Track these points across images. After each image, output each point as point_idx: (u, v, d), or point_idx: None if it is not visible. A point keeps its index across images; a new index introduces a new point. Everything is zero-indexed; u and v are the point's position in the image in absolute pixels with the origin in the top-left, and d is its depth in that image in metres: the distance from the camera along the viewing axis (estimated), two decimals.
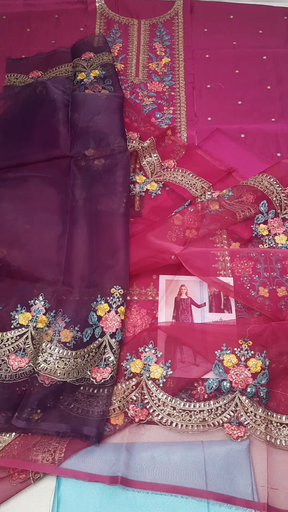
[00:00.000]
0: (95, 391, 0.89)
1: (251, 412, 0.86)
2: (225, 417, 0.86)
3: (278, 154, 1.26)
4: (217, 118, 1.34)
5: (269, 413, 0.85)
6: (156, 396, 0.89)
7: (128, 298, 1.02)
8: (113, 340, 0.93)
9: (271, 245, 1.08)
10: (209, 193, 1.16)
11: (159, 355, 0.93)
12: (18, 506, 0.81)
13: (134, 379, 0.91)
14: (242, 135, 1.30)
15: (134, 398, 0.89)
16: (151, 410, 0.87)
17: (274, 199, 1.11)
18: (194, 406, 0.87)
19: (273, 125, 1.31)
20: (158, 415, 0.87)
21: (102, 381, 0.89)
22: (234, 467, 0.81)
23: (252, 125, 1.31)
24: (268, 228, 1.10)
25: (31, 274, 1.03)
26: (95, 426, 0.84)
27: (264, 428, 0.84)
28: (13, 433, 0.86)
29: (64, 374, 0.90)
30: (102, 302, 0.98)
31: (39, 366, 0.90)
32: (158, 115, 1.33)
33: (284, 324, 0.92)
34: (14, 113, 1.27)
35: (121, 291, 0.99)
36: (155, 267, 1.04)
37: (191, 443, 0.85)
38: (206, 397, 0.89)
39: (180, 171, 1.22)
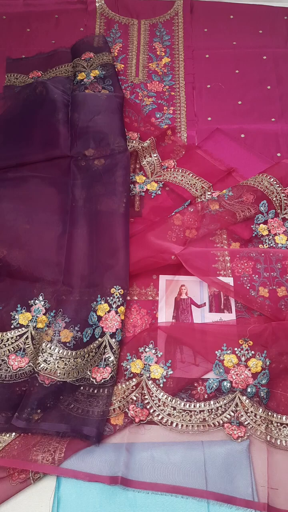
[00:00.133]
0: (95, 391, 0.89)
1: (252, 412, 0.86)
2: (225, 417, 0.86)
3: (278, 154, 1.26)
4: (217, 118, 1.34)
5: (270, 413, 0.85)
6: (156, 396, 0.89)
7: (128, 298, 1.02)
8: (113, 340, 0.93)
9: (271, 245, 1.08)
10: (209, 193, 1.16)
11: (159, 355, 0.93)
12: (18, 506, 0.81)
13: (134, 379, 0.91)
14: (242, 135, 1.30)
15: (134, 398, 0.89)
16: (151, 410, 0.87)
17: (274, 199, 1.11)
18: (194, 406, 0.87)
19: (273, 125, 1.31)
20: (158, 415, 0.87)
21: (102, 381, 0.89)
22: (234, 467, 0.81)
23: (252, 125, 1.31)
24: (268, 228, 1.10)
25: (31, 274, 1.03)
26: (95, 426, 0.84)
27: (264, 428, 0.84)
28: (13, 433, 0.85)
29: (64, 374, 0.90)
30: (102, 302, 0.98)
31: (39, 366, 0.90)
32: (158, 115, 1.33)
33: (284, 324, 0.92)
34: (14, 113, 1.27)
35: (121, 291, 0.99)
36: (155, 267, 1.04)
37: (191, 443, 0.85)
38: (206, 397, 0.89)
39: (180, 171, 1.22)
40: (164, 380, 0.90)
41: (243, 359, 0.91)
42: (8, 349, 0.95)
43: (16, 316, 0.98)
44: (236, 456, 0.82)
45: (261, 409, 0.86)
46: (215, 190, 1.17)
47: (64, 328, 0.95)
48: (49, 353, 0.91)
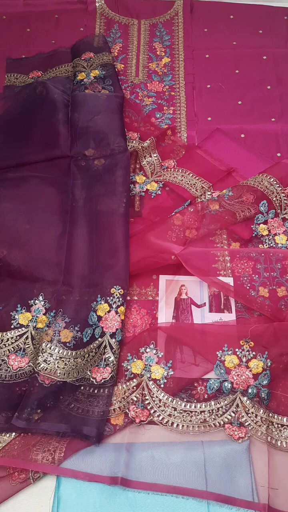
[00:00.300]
0: (96, 391, 0.89)
1: (252, 413, 0.86)
2: (226, 418, 0.86)
3: (278, 154, 1.26)
4: (217, 118, 1.34)
5: (270, 414, 0.85)
6: (157, 396, 0.89)
7: (128, 298, 1.02)
8: (113, 340, 0.93)
9: (271, 245, 1.08)
10: (209, 193, 1.16)
11: (160, 356, 0.93)
12: (18, 506, 0.81)
13: (135, 380, 0.91)
14: (242, 135, 1.30)
15: (135, 398, 0.89)
16: (152, 411, 0.87)
17: (274, 199, 1.11)
18: (195, 407, 0.87)
19: (273, 125, 1.31)
20: (159, 415, 0.87)
21: (102, 381, 0.89)
22: (234, 467, 0.81)
23: (252, 125, 1.31)
24: (268, 228, 1.10)
25: (31, 274, 1.03)
26: (95, 426, 0.84)
27: (265, 429, 0.84)
28: (13, 433, 0.85)
29: (64, 374, 0.90)
30: (102, 302, 0.98)
31: (39, 366, 0.90)
32: (158, 115, 1.33)
33: (286, 325, 0.92)
34: (14, 113, 1.27)
35: (121, 291, 0.99)
36: (155, 267, 1.04)
37: (191, 443, 0.85)
38: (206, 397, 0.89)
39: (180, 171, 1.22)
40: (165, 381, 0.90)
41: (244, 360, 0.91)
42: (8, 349, 0.95)
43: (16, 316, 0.98)
44: (236, 456, 0.82)
45: (262, 410, 0.86)
46: (215, 190, 1.17)
47: (64, 328, 0.95)
48: (49, 353, 0.91)
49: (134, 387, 0.90)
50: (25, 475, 0.82)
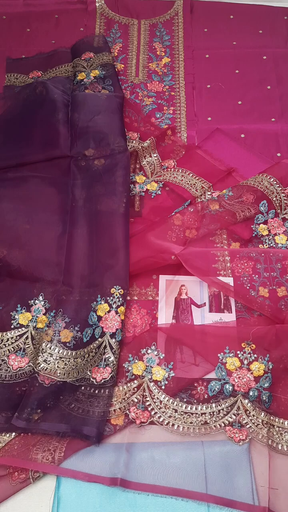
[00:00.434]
0: (96, 391, 0.89)
1: (254, 415, 0.86)
2: (227, 420, 0.86)
3: (278, 154, 1.26)
4: (217, 118, 1.34)
5: (272, 418, 0.85)
6: (158, 398, 0.88)
7: (128, 298, 1.02)
8: (113, 340, 0.93)
9: (271, 245, 1.08)
10: (209, 193, 1.16)
11: (161, 357, 0.93)
12: (18, 506, 0.81)
13: (135, 381, 0.91)
14: (242, 135, 1.30)
15: (136, 400, 0.88)
16: (152, 412, 0.87)
17: (274, 199, 1.11)
18: (196, 409, 0.87)
19: (273, 125, 1.31)
20: (159, 417, 0.87)
21: (102, 381, 0.89)
22: (234, 467, 0.81)
23: (252, 125, 1.31)
24: (268, 228, 1.10)
25: (31, 274, 1.03)
26: (95, 426, 0.84)
27: (266, 432, 0.84)
28: (13, 433, 0.85)
29: (64, 374, 0.90)
30: (102, 302, 0.98)
31: (39, 366, 0.90)
32: (158, 115, 1.33)
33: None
34: (14, 113, 1.27)
35: (121, 291, 0.99)
36: (155, 267, 1.04)
37: (191, 443, 0.85)
38: (206, 397, 0.89)
39: (180, 171, 1.22)
40: (166, 382, 0.90)
41: (245, 362, 0.91)
42: (8, 349, 0.95)
43: (16, 316, 0.98)
44: (236, 457, 0.82)
45: (263, 413, 0.85)
46: (215, 190, 1.17)
47: (64, 328, 0.95)
48: (49, 353, 0.91)
49: (135, 388, 0.90)
50: (25, 475, 0.82)
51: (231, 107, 1.35)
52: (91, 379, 0.90)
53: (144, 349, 0.94)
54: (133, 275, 1.03)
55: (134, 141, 1.25)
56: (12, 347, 0.95)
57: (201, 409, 0.87)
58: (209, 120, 1.33)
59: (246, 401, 0.87)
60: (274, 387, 0.89)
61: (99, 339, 0.94)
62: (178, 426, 0.86)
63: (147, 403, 0.88)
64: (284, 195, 1.12)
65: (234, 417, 0.86)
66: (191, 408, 0.87)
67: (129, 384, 0.91)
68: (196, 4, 1.54)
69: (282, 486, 0.79)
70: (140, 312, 1.01)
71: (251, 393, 0.87)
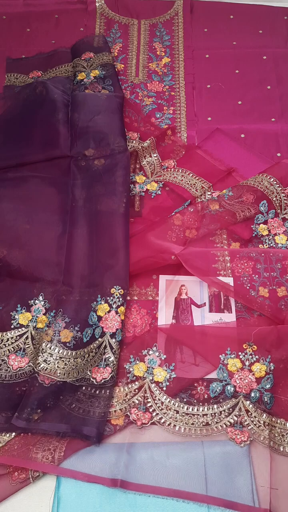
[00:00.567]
0: (97, 391, 0.89)
1: (255, 417, 0.85)
2: (228, 421, 0.86)
3: (278, 154, 1.26)
4: (217, 118, 1.34)
5: (273, 419, 0.84)
6: (159, 399, 0.88)
7: (128, 298, 1.02)
8: (113, 340, 0.93)
9: (271, 245, 1.08)
10: (209, 193, 1.16)
11: (163, 358, 0.93)
12: (18, 506, 0.81)
13: (137, 382, 0.91)
14: (242, 135, 1.30)
15: (137, 401, 0.88)
16: (154, 414, 0.87)
17: (274, 199, 1.11)
18: (197, 410, 0.87)
19: (273, 125, 1.31)
20: (161, 418, 0.86)
21: (102, 381, 0.89)
22: (234, 467, 0.81)
23: (252, 125, 1.31)
24: (268, 228, 1.10)
25: (31, 274, 1.03)
26: (95, 426, 0.84)
27: (267, 434, 0.83)
28: (13, 433, 0.85)
29: (64, 374, 0.90)
30: (102, 302, 0.98)
31: (39, 366, 0.90)
32: (158, 115, 1.33)
33: None
34: (14, 113, 1.27)
35: (121, 291, 0.99)
36: (155, 267, 1.04)
37: (192, 443, 0.84)
38: (206, 397, 0.89)
39: (180, 171, 1.22)
40: (167, 384, 0.90)
41: (247, 363, 0.90)
42: (8, 349, 0.95)
43: (16, 316, 0.98)
44: (236, 457, 0.82)
45: (264, 415, 0.85)
46: (215, 190, 1.17)
47: (64, 328, 0.95)
48: (49, 353, 0.91)
49: (136, 390, 0.90)
50: (25, 475, 0.82)
51: (231, 107, 1.35)
52: (91, 379, 0.90)
53: (146, 350, 0.94)
54: (133, 275, 1.03)
55: (134, 141, 1.25)
56: (12, 347, 0.95)
57: (202, 411, 0.87)
58: (209, 120, 1.33)
59: (248, 402, 0.87)
60: (275, 388, 0.88)
61: (99, 339, 0.94)
62: (180, 427, 0.85)
63: (149, 404, 0.88)
64: (284, 195, 1.12)
65: (235, 418, 0.86)
66: (192, 409, 0.87)
67: (130, 385, 0.90)
68: (196, 4, 1.54)
69: (283, 487, 0.78)
70: (140, 312, 1.01)
71: (252, 395, 0.87)
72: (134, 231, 1.09)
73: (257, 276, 1.01)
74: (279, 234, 1.09)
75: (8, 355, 0.94)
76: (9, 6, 1.54)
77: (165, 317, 0.99)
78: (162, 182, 1.20)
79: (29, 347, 0.95)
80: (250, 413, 0.86)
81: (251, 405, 0.86)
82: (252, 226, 1.09)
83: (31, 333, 0.97)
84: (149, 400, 0.88)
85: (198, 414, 0.86)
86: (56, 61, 1.43)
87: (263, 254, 1.03)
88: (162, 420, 0.86)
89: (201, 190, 1.17)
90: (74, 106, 1.25)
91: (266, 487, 0.79)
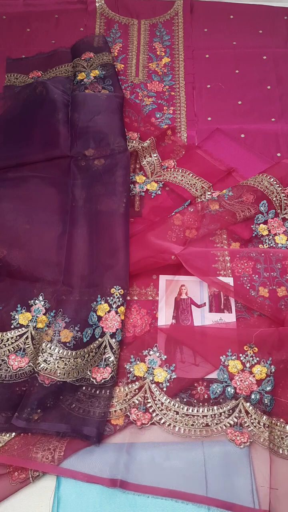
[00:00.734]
0: (97, 391, 0.89)
1: (255, 419, 0.85)
2: (228, 423, 0.85)
3: (278, 154, 1.26)
4: (217, 118, 1.34)
5: (273, 421, 0.84)
6: (159, 400, 0.88)
7: (128, 298, 1.02)
8: (113, 340, 0.93)
9: (271, 245, 1.08)
10: (209, 193, 1.16)
11: (163, 359, 0.93)
12: (18, 506, 0.81)
13: (137, 383, 0.90)
14: (242, 135, 1.30)
15: (137, 401, 0.88)
16: (154, 414, 0.87)
17: (274, 199, 1.11)
18: (197, 411, 0.87)
19: (273, 125, 1.31)
20: (160, 419, 0.86)
21: (102, 381, 0.89)
22: (234, 468, 0.81)
23: (252, 125, 1.31)
24: (268, 228, 1.10)
25: (31, 274, 1.03)
26: (95, 426, 0.84)
27: (267, 436, 0.83)
28: (13, 433, 0.85)
29: (64, 374, 0.90)
30: (102, 302, 0.98)
31: (39, 366, 0.90)
32: (158, 115, 1.33)
33: None
34: (14, 113, 1.27)
35: (121, 291, 0.99)
36: (155, 267, 1.04)
37: (192, 443, 0.84)
38: (206, 397, 0.89)
39: (180, 171, 1.22)
40: (168, 384, 0.90)
41: (248, 365, 0.90)
42: (8, 349, 0.95)
43: (16, 316, 0.98)
44: (236, 457, 0.82)
45: (264, 416, 0.85)
46: (215, 190, 1.17)
47: (64, 328, 0.95)
48: (49, 353, 0.91)
49: (136, 390, 0.90)
50: (25, 475, 0.82)
51: (231, 107, 1.35)
52: (91, 379, 0.90)
53: (146, 351, 0.94)
54: (133, 275, 1.03)
55: (134, 141, 1.25)
56: (12, 347, 0.95)
57: (202, 412, 0.87)
58: (209, 120, 1.33)
59: (248, 404, 0.87)
60: (276, 390, 0.88)
61: (99, 339, 0.94)
62: (179, 428, 0.85)
63: (148, 405, 0.88)
64: (284, 195, 1.12)
65: (235, 420, 0.85)
66: (192, 411, 0.87)
67: (130, 386, 0.90)
68: (196, 4, 1.54)
69: (283, 490, 0.78)
70: (140, 312, 1.01)
71: (253, 396, 0.87)
72: (134, 231, 1.09)
73: (257, 276, 1.01)
74: (279, 234, 1.09)
75: (8, 355, 0.94)
76: (9, 6, 1.54)
77: (165, 317, 0.99)
78: (162, 182, 1.20)
79: (29, 347, 0.95)
80: (250, 414, 0.86)
81: (251, 407, 0.86)
82: (252, 226, 1.09)
83: (31, 333, 0.97)
84: (149, 400, 0.88)
85: (198, 415, 0.86)
86: (56, 61, 1.43)
87: (263, 254, 1.03)
88: (162, 421, 0.86)
89: (201, 190, 1.17)
90: (74, 106, 1.25)
91: (266, 487, 0.79)
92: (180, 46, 1.46)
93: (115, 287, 0.99)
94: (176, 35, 1.49)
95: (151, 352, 0.94)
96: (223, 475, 0.80)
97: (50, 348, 0.92)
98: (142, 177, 1.21)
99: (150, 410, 0.87)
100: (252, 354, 0.91)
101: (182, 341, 0.95)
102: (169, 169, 1.22)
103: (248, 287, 1.00)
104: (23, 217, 1.09)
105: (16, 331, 0.97)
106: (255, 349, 0.91)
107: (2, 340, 0.96)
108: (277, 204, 1.12)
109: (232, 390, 0.88)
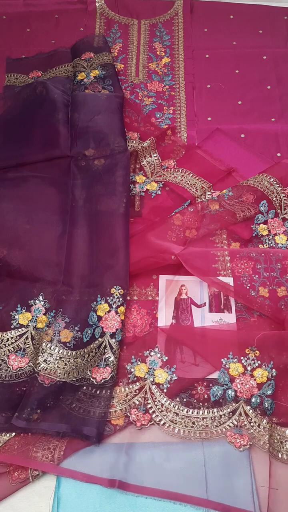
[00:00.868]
0: (98, 391, 0.89)
1: (255, 422, 0.85)
2: (228, 425, 0.85)
3: (278, 154, 1.26)
4: (217, 118, 1.34)
5: (273, 425, 0.84)
6: (159, 401, 0.88)
7: (128, 298, 1.02)
8: (113, 340, 0.93)
9: (271, 245, 1.08)
10: (209, 193, 1.16)
11: (164, 360, 0.93)
12: (18, 506, 0.81)
13: (137, 383, 0.90)
14: (242, 135, 1.30)
15: (137, 402, 0.88)
16: (153, 415, 0.86)
17: (274, 199, 1.11)
18: (197, 413, 0.87)
19: (273, 125, 1.31)
20: (160, 420, 0.86)
21: (102, 381, 0.89)
22: (234, 468, 0.81)
23: (252, 125, 1.31)
24: (268, 228, 1.10)
25: (31, 274, 1.03)
26: (95, 426, 0.84)
27: (267, 439, 0.83)
28: (13, 433, 0.85)
29: (64, 374, 0.90)
30: (102, 302, 0.98)
31: (39, 366, 0.90)
32: (158, 115, 1.33)
33: None
34: (14, 113, 1.27)
35: (121, 291, 0.99)
36: (155, 267, 1.04)
37: (192, 443, 0.84)
38: (206, 397, 0.89)
39: (180, 171, 1.22)
40: (168, 386, 0.90)
41: (249, 368, 0.90)
42: (8, 349, 0.95)
43: (16, 316, 0.98)
44: (236, 457, 0.82)
45: (265, 420, 0.85)
46: (215, 190, 1.17)
47: (64, 328, 0.95)
48: (49, 353, 0.91)
49: (137, 391, 0.89)
50: (25, 475, 0.81)
51: (231, 107, 1.35)
52: (91, 379, 0.90)
53: (147, 351, 0.94)
54: (133, 275, 1.03)
55: (134, 141, 1.25)
56: (12, 347, 0.95)
57: (202, 414, 0.86)
58: (209, 120, 1.33)
59: (248, 407, 0.86)
60: (277, 394, 0.88)
61: (99, 339, 0.94)
62: (179, 429, 0.85)
63: (149, 406, 0.88)
64: (284, 195, 1.12)
65: (235, 422, 0.85)
66: (192, 412, 0.87)
67: (130, 386, 0.90)
68: (196, 4, 1.54)
69: (282, 492, 0.78)
70: (140, 312, 1.01)
71: (253, 400, 0.87)
72: (134, 231, 1.09)
73: (257, 276, 1.01)
74: (279, 234, 1.09)
75: (8, 355, 0.94)
76: (9, 6, 1.54)
77: (165, 317, 0.99)
78: (162, 182, 1.20)
79: (29, 347, 0.95)
80: (250, 418, 0.85)
81: (251, 410, 0.86)
82: (252, 226, 1.09)
83: (31, 333, 0.97)
84: (149, 401, 0.88)
85: (197, 417, 0.86)
86: (56, 61, 1.43)
87: (263, 254, 1.03)
88: (162, 422, 0.86)
89: (201, 190, 1.17)
90: (74, 106, 1.25)
91: (266, 487, 0.79)
92: (180, 46, 1.46)
93: (115, 287, 0.99)
94: (176, 35, 1.49)
95: (152, 353, 0.94)
96: (223, 475, 0.80)
97: (50, 348, 0.92)
98: (142, 177, 1.21)
99: (150, 411, 0.87)
100: (253, 357, 0.91)
101: (183, 343, 0.95)
102: (169, 169, 1.22)
103: (248, 287, 1.00)
104: (23, 217, 1.09)
105: (16, 331, 0.97)
106: (256, 352, 0.91)
107: (2, 340, 0.96)
108: (277, 204, 1.12)
109: (233, 393, 0.88)
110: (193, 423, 0.86)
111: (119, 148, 1.18)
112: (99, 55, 1.40)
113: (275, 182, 1.12)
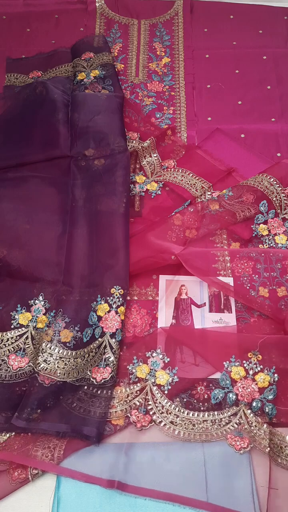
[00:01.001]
0: (99, 391, 0.88)
1: (255, 426, 0.84)
2: (228, 428, 0.85)
3: (278, 154, 1.26)
4: (217, 118, 1.34)
5: (273, 430, 0.83)
6: (160, 402, 0.88)
7: (128, 298, 1.02)
8: (113, 340, 0.93)
9: (271, 245, 1.08)
10: (209, 193, 1.16)
11: (166, 361, 0.93)
12: (18, 506, 0.81)
13: (138, 384, 0.90)
14: (242, 135, 1.30)
15: (138, 403, 0.88)
16: (154, 417, 0.86)
17: (274, 199, 1.11)
18: (197, 416, 0.86)
19: (273, 125, 1.31)
20: (160, 422, 0.86)
21: (102, 381, 0.89)
22: (234, 469, 0.81)
23: (252, 125, 1.31)
24: (268, 228, 1.10)
25: (31, 274, 1.03)
26: (95, 426, 0.83)
27: (267, 443, 0.82)
28: (13, 433, 0.85)
29: (64, 374, 0.90)
30: (102, 302, 0.98)
31: (39, 366, 0.90)
32: (158, 115, 1.33)
33: None
34: (14, 113, 1.27)
35: (121, 291, 0.99)
36: (155, 267, 1.04)
37: (192, 443, 0.84)
38: (206, 397, 0.89)
39: (180, 171, 1.22)
40: (169, 387, 0.89)
41: (251, 372, 0.90)
42: (8, 349, 0.95)
43: (16, 316, 0.98)
44: (236, 457, 0.82)
45: (265, 425, 0.84)
46: (215, 190, 1.17)
47: (64, 328, 0.95)
48: (49, 353, 0.91)
49: (138, 391, 0.89)
50: (24, 475, 0.81)
51: (231, 107, 1.35)
52: (91, 379, 0.90)
53: (149, 352, 0.94)
54: (133, 275, 1.03)
55: (134, 141, 1.25)
56: (12, 347, 0.95)
57: (203, 416, 0.86)
58: (209, 120, 1.33)
59: (249, 411, 0.86)
60: (278, 399, 0.87)
61: (99, 339, 0.94)
62: (179, 431, 0.85)
63: (149, 407, 0.87)
64: (284, 195, 1.12)
65: (236, 426, 0.85)
66: (193, 415, 0.86)
67: (131, 387, 0.90)
68: (196, 4, 1.54)
69: (282, 497, 0.78)
70: (140, 312, 1.01)
71: (254, 404, 0.86)
72: (134, 231, 1.09)
73: (257, 276, 1.01)
74: (279, 234, 1.09)
75: (8, 355, 0.94)
76: (9, 6, 1.55)
77: (165, 317, 0.99)
78: (162, 182, 1.20)
79: (29, 347, 0.95)
80: (250, 422, 0.85)
81: (252, 414, 0.86)
82: (252, 226, 1.09)
83: (31, 333, 0.97)
84: (150, 402, 0.88)
85: (198, 420, 0.86)
86: (56, 61, 1.43)
87: (263, 254, 1.03)
88: (162, 424, 0.86)
89: (201, 190, 1.17)
90: (74, 106, 1.25)
91: (266, 487, 0.79)
92: (180, 46, 1.47)
93: (115, 287, 0.99)
94: (176, 35, 1.49)
95: (154, 354, 0.94)
96: (223, 475, 0.80)
97: (50, 348, 0.92)
98: (142, 177, 1.21)
99: (151, 413, 0.87)
100: (256, 361, 0.91)
101: (185, 343, 0.94)
102: (169, 169, 1.22)
103: (248, 287, 1.00)
104: (23, 217, 1.09)
105: (16, 331, 0.97)
106: (259, 357, 0.91)
107: (2, 340, 0.96)
108: (277, 204, 1.12)
109: (234, 397, 0.87)
110: (194, 425, 0.85)
111: (119, 148, 1.18)
112: (99, 55, 1.40)
113: (275, 182, 1.12)
